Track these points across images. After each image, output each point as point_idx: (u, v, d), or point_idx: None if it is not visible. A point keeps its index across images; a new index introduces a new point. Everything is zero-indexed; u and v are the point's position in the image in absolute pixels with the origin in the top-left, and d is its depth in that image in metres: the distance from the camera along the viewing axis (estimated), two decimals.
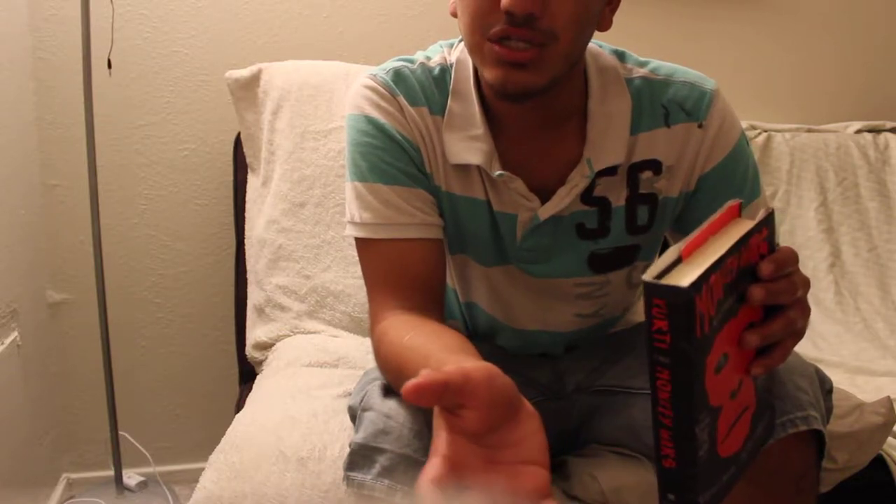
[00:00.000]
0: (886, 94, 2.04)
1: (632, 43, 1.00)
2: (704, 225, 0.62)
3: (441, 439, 0.53)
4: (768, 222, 0.66)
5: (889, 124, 1.96)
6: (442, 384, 0.49)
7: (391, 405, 0.80)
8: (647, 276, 0.56)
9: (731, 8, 1.92)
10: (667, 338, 0.56)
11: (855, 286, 1.78)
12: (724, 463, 0.66)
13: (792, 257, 0.67)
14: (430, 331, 0.81)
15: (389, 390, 0.83)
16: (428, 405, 0.52)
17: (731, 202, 0.66)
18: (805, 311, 0.69)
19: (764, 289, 0.63)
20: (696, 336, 0.56)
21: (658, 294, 0.55)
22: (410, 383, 0.49)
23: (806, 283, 0.69)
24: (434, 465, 0.51)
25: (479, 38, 0.81)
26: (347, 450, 0.82)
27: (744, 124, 1.82)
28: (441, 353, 0.74)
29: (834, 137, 1.91)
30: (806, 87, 2.01)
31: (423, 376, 0.49)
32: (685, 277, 0.55)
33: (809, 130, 1.92)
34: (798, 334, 0.68)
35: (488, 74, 0.82)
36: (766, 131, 1.88)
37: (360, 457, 0.79)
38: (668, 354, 0.56)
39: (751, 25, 1.94)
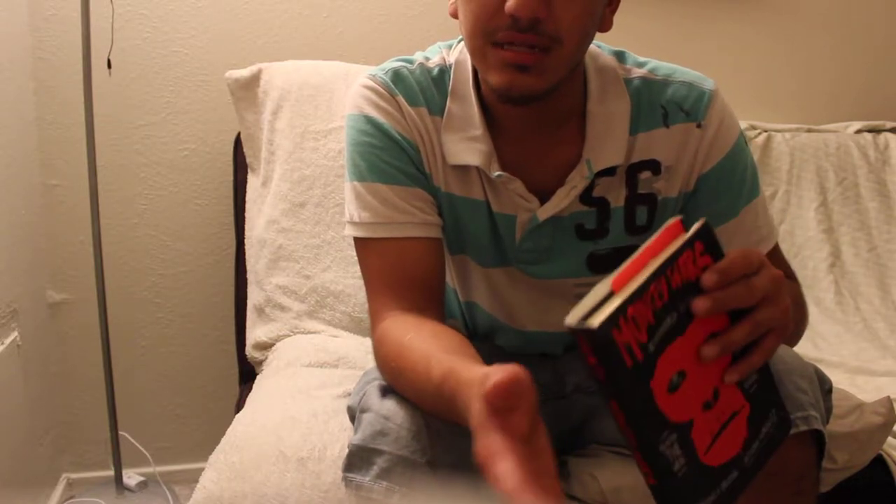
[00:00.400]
0: (886, 94, 2.04)
1: (631, 43, 1.00)
2: (642, 248, 0.62)
3: (496, 441, 0.56)
4: (702, 235, 0.64)
5: (889, 124, 1.96)
6: (519, 382, 0.55)
7: (389, 406, 0.80)
8: (572, 316, 0.57)
9: (731, 8, 1.92)
10: (601, 371, 0.57)
11: (855, 286, 1.78)
12: (717, 471, 0.66)
13: (742, 262, 0.64)
14: (430, 332, 0.82)
15: (388, 391, 0.83)
16: (510, 405, 0.56)
17: (671, 220, 0.64)
18: (781, 307, 0.66)
19: (709, 299, 0.62)
20: (627, 366, 0.57)
21: (578, 334, 0.57)
22: (499, 384, 0.54)
23: (775, 280, 0.66)
24: (513, 469, 0.54)
25: (483, 42, 0.81)
26: (347, 450, 0.82)
27: (744, 124, 1.83)
28: (441, 353, 0.74)
29: (834, 137, 1.90)
30: (806, 87, 2.01)
31: (505, 377, 0.55)
32: (609, 308, 0.57)
33: (809, 130, 1.92)
34: (779, 332, 0.66)
35: (492, 79, 0.82)
36: (766, 131, 1.88)
37: (358, 458, 0.79)
38: (607, 385, 0.58)
39: (751, 26, 1.94)
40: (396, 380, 0.81)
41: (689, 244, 0.63)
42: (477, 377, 0.62)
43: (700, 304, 0.62)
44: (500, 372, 0.57)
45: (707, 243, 0.64)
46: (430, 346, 0.77)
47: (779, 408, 0.74)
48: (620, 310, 0.57)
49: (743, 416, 0.69)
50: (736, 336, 0.64)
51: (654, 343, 0.60)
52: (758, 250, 0.68)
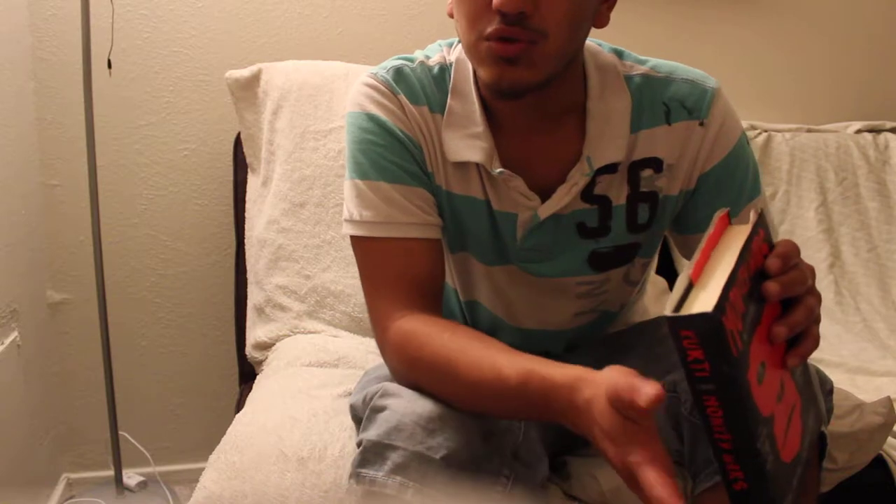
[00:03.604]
0: (886, 94, 2.05)
1: (630, 44, 1.00)
2: (703, 242, 0.62)
3: (636, 452, 0.62)
4: (762, 223, 0.66)
5: (889, 124, 1.97)
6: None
7: (405, 403, 0.80)
8: (667, 310, 0.55)
9: (730, 9, 1.92)
10: (705, 366, 0.55)
11: (855, 286, 1.78)
12: (790, 467, 0.65)
13: (793, 249, 0.68)
14: (467, 331, 0.84)
15: (402, 388, 0.83)
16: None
17: (720, 212, 0.67)
18: (818, 297, 0.70)
19: (778, 283, 0.64)
20: (734, 355, 0.55)
21: (685, 326, 0.54)
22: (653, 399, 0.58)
23: (812, 271, 0.70)
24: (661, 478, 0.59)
25: (475, 38, 0.81)
26: (348, 450, 0.82)
27: (744, 124, 1.82)
28: (501, 353, 0.77)
29: (834, 137, 1.91)
30: (806, 87, 2.01)
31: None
32: (705, 302, 0.55)
33: (809, 130, 1.92)
34: (818, 321, 0.69)
35: (483, 73, 0.83)
36: (766, 131, 1.88)
37: (372, 454, 0.79)
38: (710, 381, 0.55)
39: (751, 26, 1.94)
40: (444, 377, 0.80)
41: (755, 231, 0.64)
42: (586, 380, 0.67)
43: (772, 288, 0.64)
44: (646, 387, 0.60)
45: (766, 231, 0.66)
46: (485, 347, 0.79)
47: (815, 402, 0.74)
48: (724, 295, 0.55)
49: (798, 410, 0.68)
50: (798, 317, 0.66)
51: (746, 331, 0.58)
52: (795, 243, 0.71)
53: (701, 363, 0.55)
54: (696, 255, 0.60)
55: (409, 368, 0.85)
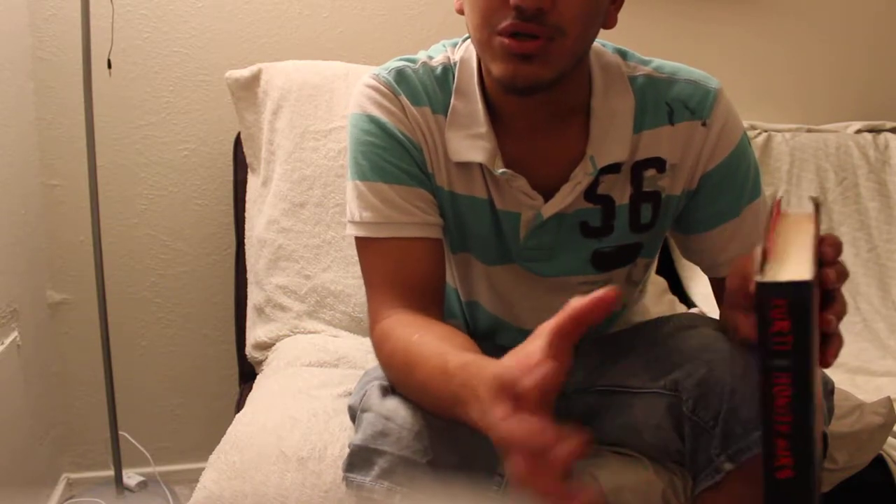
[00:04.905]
0: (886, 94, 2.04)
1: (632, 44, 1.00)
2: (769, 226, 0.61)
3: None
4: (819, 212, 0.66)
5: (889, 124, 1.96)
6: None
7: (390, 406, 0.80)
8: (758, 277, 0.54)
9: (730, 9, 1.92)
10: (789, 339, 0.53)
11: (855, 286, 1.78)
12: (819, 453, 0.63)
13: (840, 241, 0.67)
14: (440, 331, 0.82)
15: (389, 391, 0.83)
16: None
17: (776, 199, 0.66)
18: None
19: (836, 271, 0.63)
20: (813, 330, 0.54)
21: (779, 294, 0.53)
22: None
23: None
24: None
25: (488, 33, 0.81)
26: (347, 450, 0.82)
27: (744, 124, 1.83)
28: (456, 350, 0.74)
29: (834, 137, 1.91)
30: (806, 87, 2.01)
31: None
32: (789, 273, 0.53)
33: (809, 130, 1.92)
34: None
35: (496, 69, 0.82)
36: (766, 131, 1.88)
37: (359, 458, 0.79)
38: (789, 356, 0.54)
39: (751, 26, 1.94)
40: (404, 377, 0.81)
41: (819, 219, 0.63)
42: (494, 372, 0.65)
43: (832, 274, 0.63)
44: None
45: (820, 221, 0.65)
46: (443, 344, 0.77)
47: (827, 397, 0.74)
48: (815, 269, 0.54)
49: (820, 405, 0.68)
50: (839, 308, 0.64)
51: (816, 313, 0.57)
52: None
53: (784, 336, 0.53)
54: (765, 239, 0.59)
55: (384, 365, 0.85)
